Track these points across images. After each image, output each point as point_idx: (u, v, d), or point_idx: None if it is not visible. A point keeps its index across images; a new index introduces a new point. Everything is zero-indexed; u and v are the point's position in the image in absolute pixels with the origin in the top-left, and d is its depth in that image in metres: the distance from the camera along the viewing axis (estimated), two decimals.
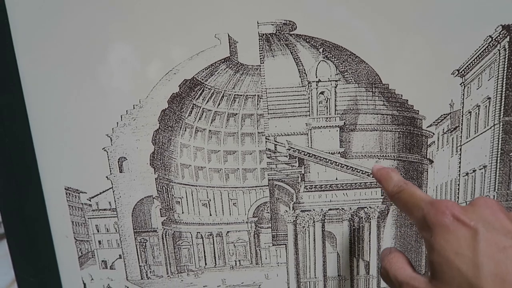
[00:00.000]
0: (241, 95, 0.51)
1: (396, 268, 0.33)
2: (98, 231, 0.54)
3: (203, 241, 0.55)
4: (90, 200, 0.53)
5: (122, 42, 0.47)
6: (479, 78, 0.50)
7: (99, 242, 0.55)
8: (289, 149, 0.51)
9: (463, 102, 0.50)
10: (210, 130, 0.52)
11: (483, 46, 0.48)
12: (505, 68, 0.49)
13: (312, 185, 0.53)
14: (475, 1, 0.47)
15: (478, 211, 0.30)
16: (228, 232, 0.55)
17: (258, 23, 0.47)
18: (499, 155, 0.51)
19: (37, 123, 0.50)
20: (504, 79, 0.49)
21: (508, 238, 0.28)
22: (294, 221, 0.54)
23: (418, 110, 0.51)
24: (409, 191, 0.35)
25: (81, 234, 0.54)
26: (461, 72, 0.49)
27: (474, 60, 0.49)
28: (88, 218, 0.53)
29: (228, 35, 0.47)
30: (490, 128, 0.51)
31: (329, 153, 0.52)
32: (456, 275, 0.28)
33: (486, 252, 0.27)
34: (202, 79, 0.50)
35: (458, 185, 0.52)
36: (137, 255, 0.55)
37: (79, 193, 0.53)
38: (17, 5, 0.46)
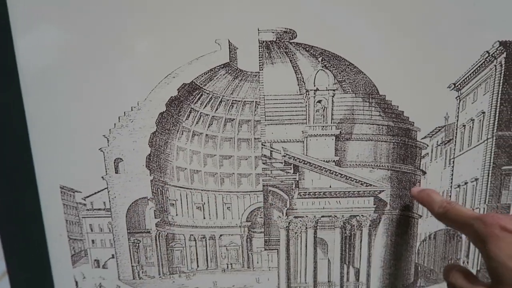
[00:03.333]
0: (239, 101, 0.51)
1: (461, 280, 0.37)
2: (91, 231, 0.54)
3: (196, 243, 0.55)
4: (85, 200, 0.53)
5: (122, 44, 0.47)
6: (474, 92, 0.50)
7: (93, 241, 0.55)
8: (284, 156, 0.52)
9: (458, 116, 0.51)
10: (207, 134, 0.52)
11: (480, 61, 0.49)
12: (501, 84, 0.50)
13: (306, 192, 0.53)
14: (474, 17, 0.47)
15: None
16: (221, 235, 0.55)
17: (258, 30, 0.47)
18: (491, 169, 0.52)
19: (34, 122, 0.50)
20: (499, 94, 0.50)
21: None
22: (286, 226, 0.55)
23: (413, 122, 0.51)
24: (455, 210, 0.39)
25: (74, 233, 0.54)
26: (457, 86, 0.50)
27: (470, 74, 0.49)
28: (82, 217, 0.54)
29: (229, 41, 0.47)
30: (484, 142, 0.51)
31: (324, 161, 0.52)
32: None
33: None
34: (201, 84, 0.50)
35: (450, 196, 0.53)
36: (130, 255, 0.55)
37: (74, 192, 0.53)
38: (18, 2, 0.46)
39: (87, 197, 0.53)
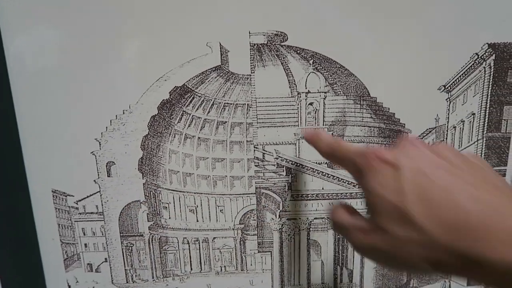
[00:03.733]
0: (231, 104, 0.51)
1: (339, 215, 0.35)
2: (84, 234, 0.54)
3: (189, 246, 0.55)
4: (77, 203, 0.53)
5: (113, 48, 0.47)
6: (464, 94, 0.51)
7: (85, 245, 0.55)
8: (277, 158, 0.52)
9: (448, 117, 0.51)
10: (199, 137, 0.52)
11: (469, 63, 0.49)
12: (490, 85, 0.50)
13: (298, 194, 0.53)
14: (463, 20, 0.48)
15: (402, 150, 0.32)
16: (214, 238, 0.55)
17: (250, 33, 0.47)
18: None
19: (26, 125, 0.50)
20: (489, 96, 0.50)
21: (429, 165, 0.30)
22: (280, 229, 0.55)
23: (404, 124, 0.52)
24: (341, 148, 0.38)
25: (67, 237, 0.54)
26: (447, 88, 0.50)
27: (460, 76, 0.50)
28: (75, 221, 0.53)
29: (220, 44, 0.47)
30: (474, 143, 0.52)
31: (316, 163, 0.52)
32: (385, 203, 0.30)
33: (408, 178, 0.30)
34: (193, 87, 0.50)
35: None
36: (123, 258, 0.55)
37: (66, 196, 0.53)
38: (7, 4, 0.46)
39: (80, 200, 0.53)
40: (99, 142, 0.51)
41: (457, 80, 0.50)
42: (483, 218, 0.27)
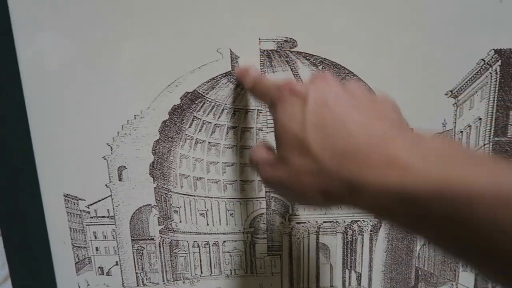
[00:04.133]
0: (241, 109, 0.52)
1: (254, 152, 0.36)
2: (95, 238, 0.55)
3: (199, 250, 0.56)
4: (88, 207, 0.53)
5: (125, 54, 0.48)
6: (471, 99, 0.51)
7: (96, 248, 0.55)
8: None
9: (455, 122, 0.52)
10: (209, 142, 0.53)
11: (476, 69, 0.50)
12: (496, 91, 0.51)
13: None
14: (469, 25, 0.48)
15: (313, 83, 0.33)
16: (224, 241, 0.56)
17: (260, 39, 0.48)
18: None
19: (38, 130, 0.51)
20: (495, 101, 0.51)
21: (333, 98, 0.31)
22: (289, 232, 0.55)
23: (412, 129, 0.52)
24: (262, 82, 0.39)
25: (78, 240, 0.55)
26: (454, 93, 0.51)
27: (467, 82, 0.50)
28: (86, 225, 0.54)
29: (230, 50, 0.48)
30: (481, 147, 0.53)
31: None
32: (289, 134, 0.31)
33: (312, 109, 0.30)
34: (203, 92, 0.51)
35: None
36: (134, 262, 0.55)
37: (78, 200, 0.53)
38: (19, 6, 0.46)
39: (91, 204, 0.53)
40: (111, 147, 0.51)
41: (464, 85, 0.50)
42: (367, 145, 0.27)
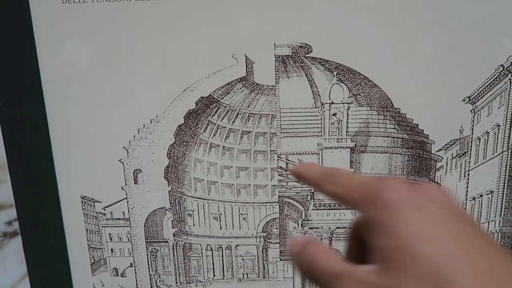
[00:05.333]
0: (255, 114, 0.52)
1: (324, 258, 0.23)
2: (111, 240, 0.56)
3: (212, 253, 0.56)
4: (104, 209, 0.54)
5: (143, 58, 0.49)
6: (489, 105, 0.51)
7: (112, 250, 0.56)
8: None
9: (472, 128, 0.51)
10: (224, 146, 0.53)
11: (494, 75, 0.49)
12: None
13: (321, 203, 0.54)
14: (488, 31, 0.48)
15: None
16: (237, 245, 0.56)
17: (275, 45, 0.48)
18: (506, 181, 0.52)
19: (57, 133, 0.52)
20: None
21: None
22: None
23: (428, 135, 0.52)
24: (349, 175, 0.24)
25: (94, 242, 0.56)
26: (472, 99, 0.50)
27: (485, 88, 0.50)
28: (102, 227, 0.55)
29: (245, 56, 0.49)
30: (499, 154, 0.52)
31: None
32: (421, 263, 0.19)
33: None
34: (218, 97, 0.51)
35: (465, 209, 0.53)
36: (148, 264, 0.56)
37: (94, 202, 0.54)
38: (41, 13, 0.47)
39: (107, 207, 0.54)
40: (127, 150, 0.52)
41: (482, 91, 0.50)
42: None
